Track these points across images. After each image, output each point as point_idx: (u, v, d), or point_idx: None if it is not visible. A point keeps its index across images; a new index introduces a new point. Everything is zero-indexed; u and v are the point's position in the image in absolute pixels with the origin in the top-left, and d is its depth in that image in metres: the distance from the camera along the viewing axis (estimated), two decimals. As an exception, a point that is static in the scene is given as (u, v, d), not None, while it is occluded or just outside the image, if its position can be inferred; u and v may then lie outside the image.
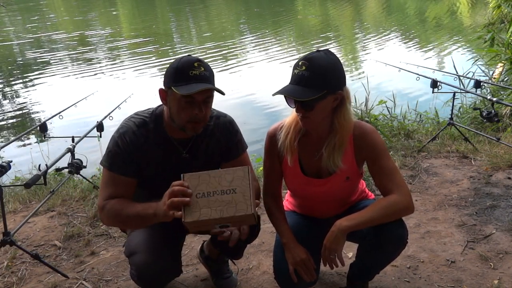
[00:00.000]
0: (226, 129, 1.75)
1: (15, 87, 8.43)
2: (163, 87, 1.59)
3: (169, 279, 1.80)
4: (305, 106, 1.51)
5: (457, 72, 5.28)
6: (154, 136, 1.66)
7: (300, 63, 1.50)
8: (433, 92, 3.64)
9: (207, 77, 1.53)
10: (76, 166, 2.72)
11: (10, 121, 6.66)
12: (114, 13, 19.85)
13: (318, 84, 1.47)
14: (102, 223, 1.68)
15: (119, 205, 1.59)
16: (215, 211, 1.40)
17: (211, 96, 1.58)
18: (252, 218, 1.41)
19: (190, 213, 1.40)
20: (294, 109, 1.57)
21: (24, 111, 7.06)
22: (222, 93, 1.55)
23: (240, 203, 1.40)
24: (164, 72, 1.61)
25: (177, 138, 1.68)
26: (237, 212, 1.39)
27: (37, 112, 6.87)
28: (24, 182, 2.24)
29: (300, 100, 1.49)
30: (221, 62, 9.24)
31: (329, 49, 1.56)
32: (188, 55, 1.59)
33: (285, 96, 1.53)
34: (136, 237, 1.69)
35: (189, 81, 1.49)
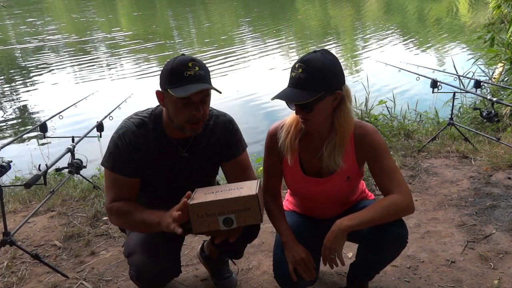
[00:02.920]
0: (226, 128, 1.75)
1: (15, 87, 8.43)
2: (160, 89, 1.58)
3: (168, 279, 1.80)
4: (304, 108, 1.52)
5: (457, 72, 5.28)
6: (153, 136, 1.66)
7: (296, 66, 1.50)
8: (433, 92, 3.64)
9: (203, 76, 1.51)
10: (76, 166, 2.72)
11: (10, 121, 6.66)
12: (114, 15, 19.84)
13: (315, 85, 1.47)
14: (112, 223, 1.75)
15: (125, 208, 1.61)
16: (220, 196, 1.43)
17: (209, 95, 1.57)
18: (256, 202, 1.41)
19: (196, 199, 1.43)
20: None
21: (24, 111, 7.06)
22: (219, 92, 1.55)
23: (245, 191, 1.44)
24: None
25: (176, 138, 1.68)
26: (242, 193, 1.41)
27: (37, 112, 6.88)
28: (24, 182, 2.24)
29: (298, 103, 1.50)
30: (222, 62, 9.23)
31: (326, 49, 1.56)
32: (183, 54, 1.58)
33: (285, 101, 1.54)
34: (135, 237, 1.69)
35: (184, 82, 1.48)
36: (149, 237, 1.65)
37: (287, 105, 1.57)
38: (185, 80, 1.48)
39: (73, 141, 2.92)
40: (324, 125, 1.62)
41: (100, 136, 3.18)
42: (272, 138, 1.72)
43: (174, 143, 1.68)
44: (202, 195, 1.45)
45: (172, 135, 1.67)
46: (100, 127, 3.19)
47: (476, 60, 6.62)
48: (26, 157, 4.40)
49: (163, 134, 1.67)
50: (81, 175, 3.10)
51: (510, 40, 5.33)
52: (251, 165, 1.85)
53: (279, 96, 1.51)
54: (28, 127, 5.04)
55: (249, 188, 1.46)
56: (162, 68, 1.58)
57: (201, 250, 2.17)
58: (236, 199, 1.40)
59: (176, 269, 1.74)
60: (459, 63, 6.04)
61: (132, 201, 1.64)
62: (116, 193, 1.63)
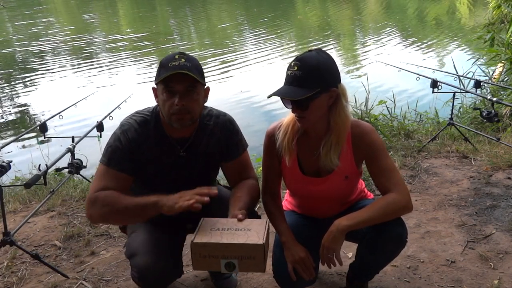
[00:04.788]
0: (226, 128, 1.75)
1: (15, 87, 8.43)
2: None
3: (170, 280, 1.79)
4: (300, 106, 1.52)
5: (457, 72, 5.28)
6: (153, 135, 1.66)
7: (292, 64, 1.52)
8: (433, 92, 3.64)
9: (188, 66, 1.53)
10: (76, 166, 2.72)
11: (10, 121, 6.66)
12: (115, 16, 19.85)
13: (310, 82, 1.48)
14: (90, 220, 1.54)
15: (114, 195, 1.54)
16: (226, 238, 1.38)
17: (194, 87, 1.57)
18: (262, 252, 1.36)
19: (200, 236, 1.39)
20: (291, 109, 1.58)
21: (24, 111, 7.06)
22: (202, 83, 1.58)
23: (252, 236, 1.38)
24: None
25: (175, 137, 1.68)
26: (248, 240, 1.36)
27: (37, 112, 6.87)
28: (24, 182, 2.24)
29: (294, 99, 1.50)
30: (222, 62, 9.22)
31: (321, 48, 1.57)
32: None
33: (281, 98, 1.55)
34: (136, 238, 1.68)
35: (167, 71, 1.52)
36: (151, 238, 1.65)
37: (283, 103, 1.58)
38: (168, 70, 1.52)
39: (73, 141, 2.92)
40: (320, 124, 1.62)
41: (100, 136, 3.18)
42: (270, 139, 1.72)
43: (173, 142, 1.68)
44: (207, 231, 1.40)
45: (171, 134, 1.67)
46: (100, 127, 3.19)
47: (476, 60, 6.61)
48: (26, 157, 4.41)
49: (163, 132, 1.67)
50: (81, 175, 3.10)
51: (510, 40, 5.33)
52: (252, 165, 1.85)
53: (275, 93, 1.52)
54: (28, 127, 5.05)
55: (257, 232, 1.40)
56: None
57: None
58: (242, 246, 1.35)
59: (178, 270, 1.73)
60: (459, 63, 6.03)
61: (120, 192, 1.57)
62: (104, 184, 1.57)
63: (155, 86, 1.63)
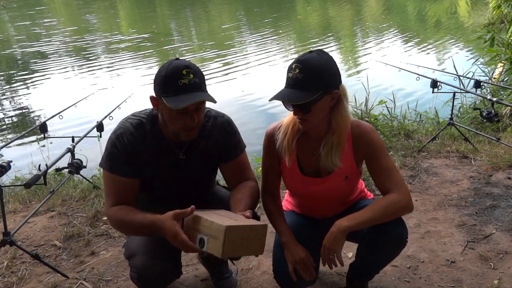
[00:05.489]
0: (224, 129, 1.74)
1: (15, 87, 8.44)
2: (154, 94, 1.56)
3: (169, 281, 1.79)
4: (302, 108, 1.52)
5: (457, 72, 5.28)
6: (150, 137, 1.64)
7: (293, 66, 1.50)
8: (433, 92, 3.64)
9: (197, 84, 1.47)
10: (76, 166, 2.73)
11: (10, 121, 6.67)
12: (115, 15, 19.85)
13: (312, 85, 1.47)
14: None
15: (121, 215, 1.58)
16: (209, 216, 1.42)
17: (203, 103, 1.56)
18: (223, 235, 1.33)
19: (197, 211, 1.46)
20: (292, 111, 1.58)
21: (24, 111, 7.07)
22: (214, 101, 1.51)
23: (228, 221, 1.38)
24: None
25: (174, 140, 1.66)
26: (221, 221, 1.37)
27: (37, 112, 6.88)
28: (24, 182, 2.25)
29: (297, 103, 1.49)
30: (222, 63, 9.22)
31: (322, 49, 1.56)
32: (177, 58, 1.53)
33: (282, 101, 1.54)
34: (135, 239, 1.68)
35: (178, 92, 1.45)
36: (149, 238, 1.64)
37: (284, 105, 1.57)
38: (179, 90, 1.45)
39: (73, 141, 2.92)
40: (322, 124, 1.61)
41: (100, 136, 3.17)
42: (270, 139, 1.72)
43: (171, 145, 1.67)
44: (205, 212, 1.47)
45: (169, 136, 1.66)
46: (100, 127, 3.19)
47: (476, 60, 6.61)
48: (26, 157, 4.41)
49: (160, 135, 1.65)
50: (81, 175, 3.10)
51: (510, 40, 5.33)
52: (250, 165, 1.85)
53: (277, 97, 1.51)
54: (28, 127, 5.05)
55: (238, 221, 1.41)
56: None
57: (200, 250, 2.16)
58: (211, 223, 1.38)
59: (177, 271, 1.73)
60: (459, 63, 6.03)
61: (130, 206, 1.60)
62: (115, 197, 1.61)
63: (154, 96, 1.55)
